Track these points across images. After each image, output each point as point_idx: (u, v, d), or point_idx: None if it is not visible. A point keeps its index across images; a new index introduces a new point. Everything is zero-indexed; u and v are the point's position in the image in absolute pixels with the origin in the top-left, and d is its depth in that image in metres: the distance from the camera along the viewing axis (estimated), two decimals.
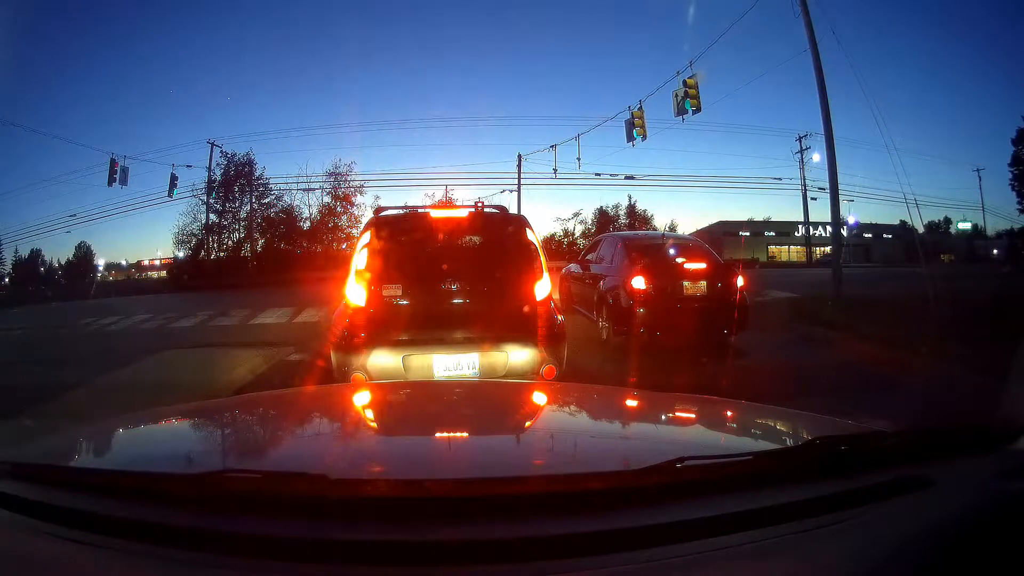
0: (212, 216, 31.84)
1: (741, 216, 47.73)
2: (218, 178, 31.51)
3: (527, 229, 4.25)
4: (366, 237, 4.11)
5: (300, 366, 6.42)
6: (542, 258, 4.17)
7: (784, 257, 45.29)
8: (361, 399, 1.95)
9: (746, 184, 64.21)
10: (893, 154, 12.27)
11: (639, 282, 6.81)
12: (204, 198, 31.29)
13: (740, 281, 7.12)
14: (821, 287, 11.22)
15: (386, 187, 60.48)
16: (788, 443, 1.45)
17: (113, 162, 23.82)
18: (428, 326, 3.87)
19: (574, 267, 9.78)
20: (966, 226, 47.77)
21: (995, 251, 41.25)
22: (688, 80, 14.23)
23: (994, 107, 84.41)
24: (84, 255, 49.69)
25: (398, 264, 4.11)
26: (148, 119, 70.28)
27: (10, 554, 0.92)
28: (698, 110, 14.31)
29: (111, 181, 23.84)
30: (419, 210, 4.64)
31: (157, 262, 47.42)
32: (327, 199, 33.12)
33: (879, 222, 43.75)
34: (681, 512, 0.90)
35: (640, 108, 17.00)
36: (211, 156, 30.83)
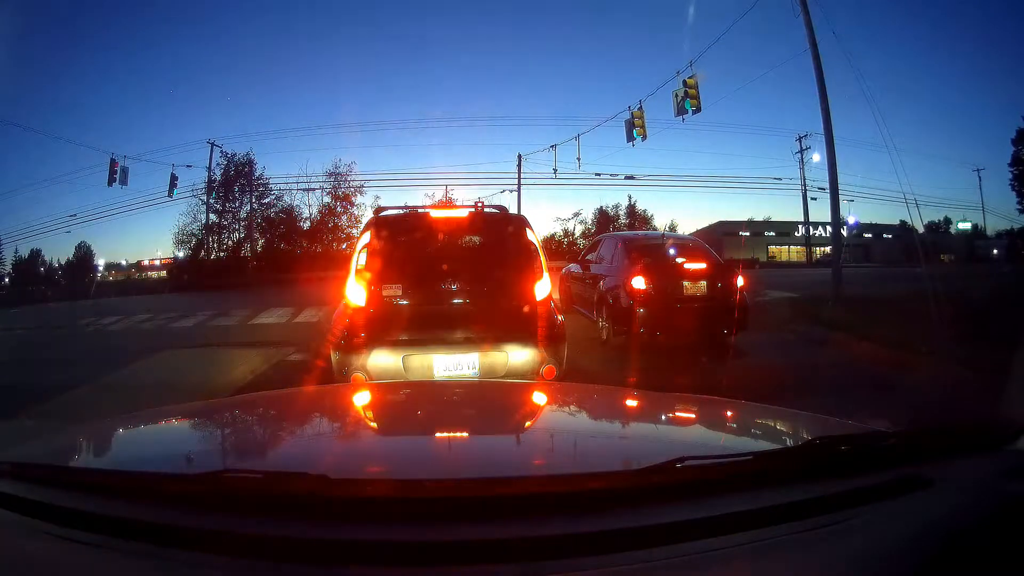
0: (212, 216, 31.92)
1: (741, 216, 47.74)
2: (218, 178, 31.56)
3: (527, 229, 4.24)
4: (366, 237, 4.10)
5: (300, 366, 6.41)
6: (542, 258, 4.16)
7: (784, 257, 45.26)
8: (361, 399, 1.95)
9: (746, 184, 64.30)
10: (893, 154, 12.26)
11: (639, 282, 6.81)
12: (204, 198, 31.36)
13: (740, 281, 7.12)
14: (821, 287, 11.22)
15: (386, 187, 60.55)
16: (788, 443, 1.45)
17: (113, 162, 23.83)
18: (428, 326, 3.86)
19: (574, 267, 9.77)
20: (966, 226, 47.72)
21: (995, 251, 41.21)
22: (688, 80, 14.23)
23: (994, 107, 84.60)
24: (84, 255, 49.61)
25: (398, 264, 4.11)
26: (148, 119, 70.69)
27: (10, 554, 0.92)
28: (698, 110, 14.32)
29: (111, 181, 23.85)
30: (419, 210, 4.64)
31: (157, 262, 47.31)
32: (327, 199, 33.22)
33: (879, 222, 43.82)
34: (681, 512, 0.90)
35: (640, 108, 17.01)
36: (211, 156, 30.86)
